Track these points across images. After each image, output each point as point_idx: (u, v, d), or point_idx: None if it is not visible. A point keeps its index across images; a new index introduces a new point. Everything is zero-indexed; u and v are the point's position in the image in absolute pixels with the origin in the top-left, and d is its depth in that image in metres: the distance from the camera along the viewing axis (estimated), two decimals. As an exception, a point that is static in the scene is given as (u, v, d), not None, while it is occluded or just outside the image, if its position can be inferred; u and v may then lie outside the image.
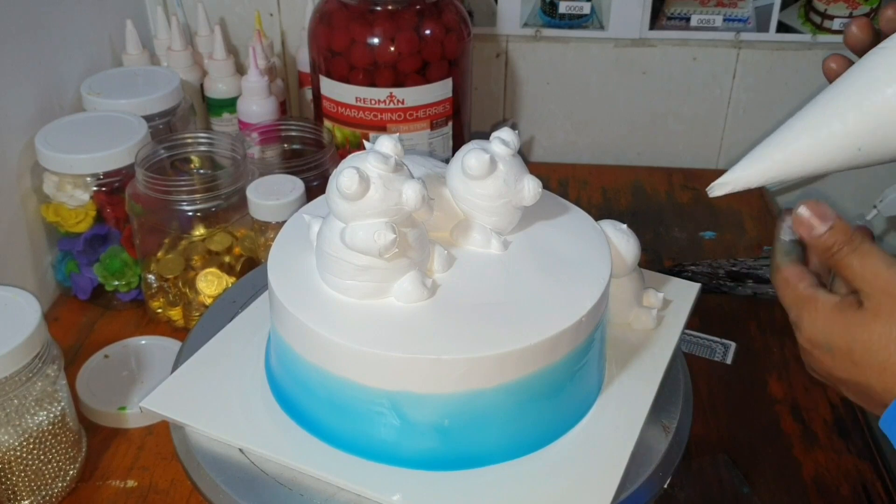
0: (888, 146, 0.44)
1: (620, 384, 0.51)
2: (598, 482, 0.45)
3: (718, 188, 0.48)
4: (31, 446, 0.60)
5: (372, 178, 0.43)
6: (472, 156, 0.47)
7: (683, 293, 0.59)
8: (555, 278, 0.48)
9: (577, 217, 0.55)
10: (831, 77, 0.47)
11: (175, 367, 0.54)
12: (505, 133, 0.49)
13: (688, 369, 0.55)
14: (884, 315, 0.43)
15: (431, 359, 0.43)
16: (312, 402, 0.48)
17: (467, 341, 0.44)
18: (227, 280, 0.77)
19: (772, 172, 0.47)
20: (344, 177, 0.43)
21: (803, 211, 0.45)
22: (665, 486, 0.48)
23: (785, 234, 0.48)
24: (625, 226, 0.54)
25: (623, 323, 0.55)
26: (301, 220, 0.52)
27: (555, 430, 0.48)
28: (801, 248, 0.48)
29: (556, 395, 0.47)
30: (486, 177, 0.48)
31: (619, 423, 0.49)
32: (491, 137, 0.49)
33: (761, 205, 1.03)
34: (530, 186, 0.48)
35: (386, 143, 0.45)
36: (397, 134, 0.46)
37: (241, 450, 0.48)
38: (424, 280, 0.46)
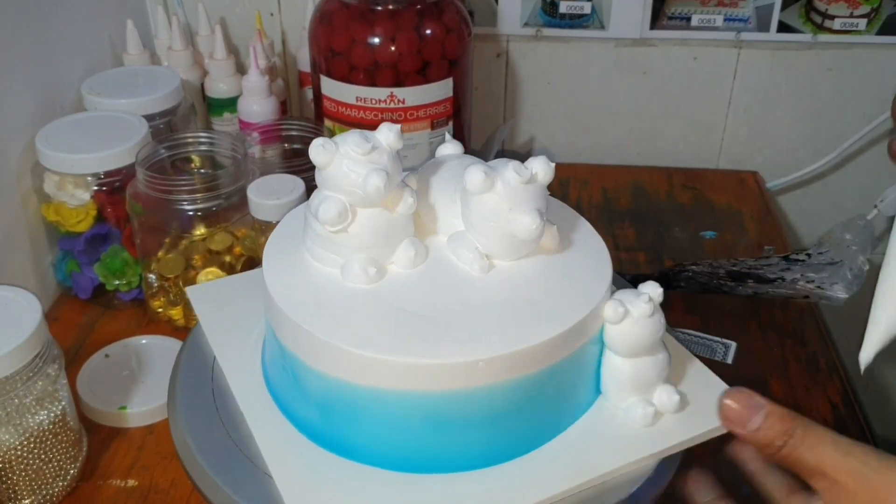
0: None
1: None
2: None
3: (866, 358, 0.47)
4: (32, 446, 0.60)
5: (339, 154, 0.45)
6: (471, 169, 0.46)
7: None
8: (521, 307, 0.47)
9: (584, 236, 0.53)
10: None
11: (175, 369, 0.54)
12: (536, 162, 0.46)
13: (688, 369, 0.55)
14: None
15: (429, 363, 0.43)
16: (303, 403, 0.48)
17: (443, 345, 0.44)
18: (228, 280, 0.78)
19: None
20: (314, 144, 0.45)
21: (731, 403, 0.41)
22: (664, 486, 0.48)
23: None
24: (651, 293, 0.47)
25: (614, 406, 0.49)
26: (292, 220, 0.53)
27: (552, 429, 0.48)
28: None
29: (527, 407, 0.47)
30: (481, 194, 0.46)
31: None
32: (533, 166, 0.46)
33: (762, 204, 1.03)
34: (524, 222, 0.46)
35: (383, 131, 0.46)
36: (399, 126, 0.47)
37: (241, 450, 0.48)
38: (368, 266, 0.47)
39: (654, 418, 0.48)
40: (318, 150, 0.45)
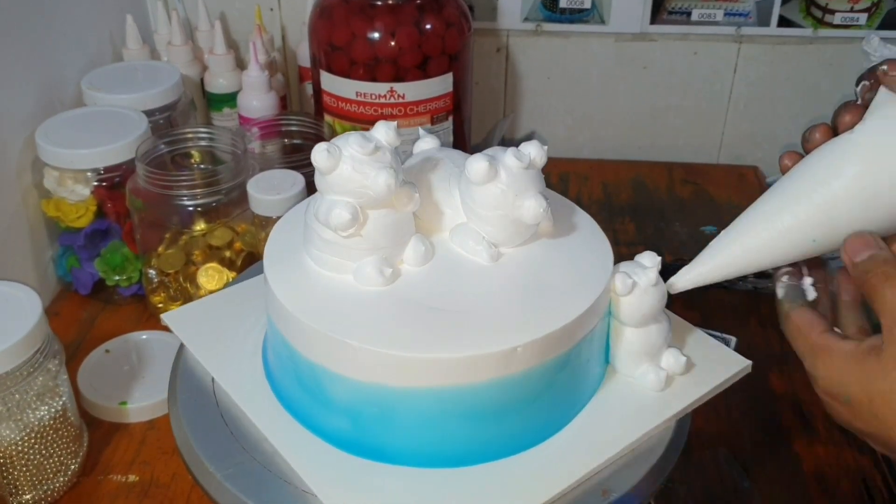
0: (841, 236, 0.45)
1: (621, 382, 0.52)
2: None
3: (678, 284, 0.50)
4: (33, 441, 0.60)
5: (344, 157, 0.44)
6: (473, 160, 0.46)
7: (724, 362, 0.53)
8: (540, 291, 0.48)
9: (581, 221, 0.54)
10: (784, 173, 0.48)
11: (175, 365, 0.54)
12: (530, 146, 0.47)
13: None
14: None
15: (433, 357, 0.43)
16: (309, 399, 0.48)
17: (447, 340, 0.44)
18: (228, 275, 0.78)
19: (730, 268, 0.49)
20: (316, 149, 0.44)
21: (853, 238, 0.44)
22: (665, 480, 0.48)
23: (781, 287, 0.49)
24: (651, 261, 0.49)
25: (627, 376, 0.51)
26: (294, 217, 0.52)
27: (577, 405, 0.49)
28: (803, 296, 0.48)
29: (557, 388, 0.47)
30: (484, 184, 0.46)
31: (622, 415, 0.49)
32: (527, 150, 0.47)
33: (762, 199, 1.03)
34: (531, 206, 0.46)
35: (380, 129, 0.46)
36: (395, 122, 0.46)
37: (241, 445, 0.48)
38: (384, 267, 0.46)
39: (666, 382, 0.50)
40: (323, 154, 0.44)
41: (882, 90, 0.44)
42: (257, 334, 0.54)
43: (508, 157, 0.46)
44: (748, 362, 0.53)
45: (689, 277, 0.50)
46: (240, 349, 0.54)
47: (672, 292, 0.49)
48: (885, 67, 0.44)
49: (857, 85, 0.47)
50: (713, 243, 0.49)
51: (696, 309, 0.84)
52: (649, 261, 0.49)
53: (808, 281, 0.49)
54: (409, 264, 0.48)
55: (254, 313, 0.55)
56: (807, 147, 0.48)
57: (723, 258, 0.49)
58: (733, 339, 0.80)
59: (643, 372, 0.50)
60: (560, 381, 0.47)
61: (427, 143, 0.54)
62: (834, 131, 0.47)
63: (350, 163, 0.44)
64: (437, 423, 0.45)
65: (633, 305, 0.48)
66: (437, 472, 0.46)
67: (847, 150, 0.45)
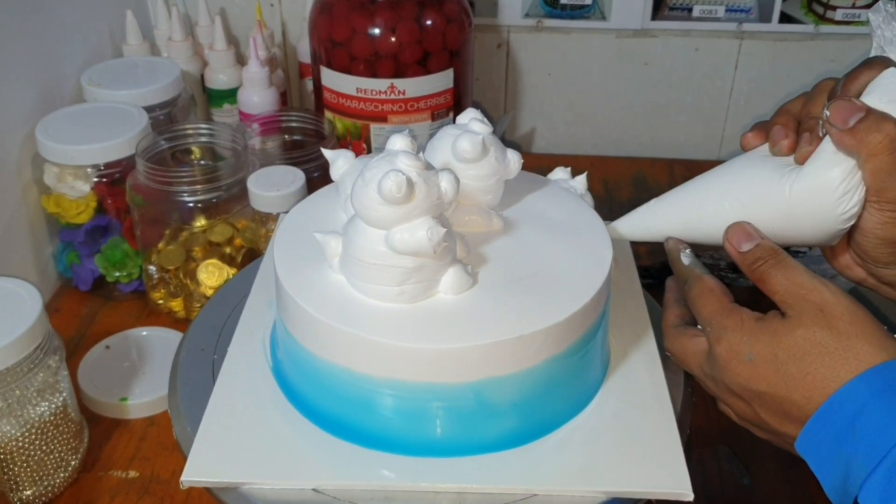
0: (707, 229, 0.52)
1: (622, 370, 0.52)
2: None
3: (620, 229, 0.55)
4: (33, 437, 0.60)
5: (413, 179, 0.43)
6: (465, 140, 0.47)
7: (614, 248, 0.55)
8: (564, 248, 0.49)
9: (551, 187, 0.56)
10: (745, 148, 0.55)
11: (176, 361, 0.54)
12: (473, 113, 0.50)
13: (689, 361, 0.55)
14: (807, 322, 0.44)
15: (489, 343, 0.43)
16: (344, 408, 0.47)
17: (497, 324, 0.44)
18: (228, 271, 0.77)
19: (665, 226, 0.54)
20: (390, 181, 0.41)
21: (735, 227, 0.49)
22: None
23: (686, 256, 0.52)
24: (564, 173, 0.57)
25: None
26: (296, 217, 0.52)
27: (567, 413, 0.49)
28: (705, 269, 0.51)
29: (578, 373, 0.48)
30: (481, 158, 0.48)
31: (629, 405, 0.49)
32: (464, 121, 0.50)
33: (763, 196, 1.03)
34: (514, 158, 0.50)
35: (400, 142, 0.45)
36: (407, 129, 0.46)
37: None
38: (467, 269, 0.46)
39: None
40: (401, 184, 0.41)
41: (822, 150, 0.47)
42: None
43: (477, 126, 0.49)
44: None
45: (627, 226, 0.55)
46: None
47: (613, 236, 0.52)
48: (828, 113, 0.46)
49: (829, 99, 0.49)
50: (656, 201, 0.55)
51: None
52: (475, 114, 0.51)
53: (683, 247, 0.54)
54: (463, 257, 0.47)
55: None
56: (744, 145, 0.55)
57: (659, 217, 0.54)
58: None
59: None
60: (569, 372, 0.47)
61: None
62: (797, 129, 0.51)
63: (420, 180, 0.43)
64: (472, 416, 0.45)
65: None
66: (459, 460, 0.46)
67: (780, 192, 0.48)
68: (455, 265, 0.46)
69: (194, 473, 0.45)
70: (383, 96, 0.85)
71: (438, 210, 0.44)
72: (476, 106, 0.62)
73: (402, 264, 0.44)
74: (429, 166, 0.44)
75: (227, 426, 0.48)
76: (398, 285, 0.44)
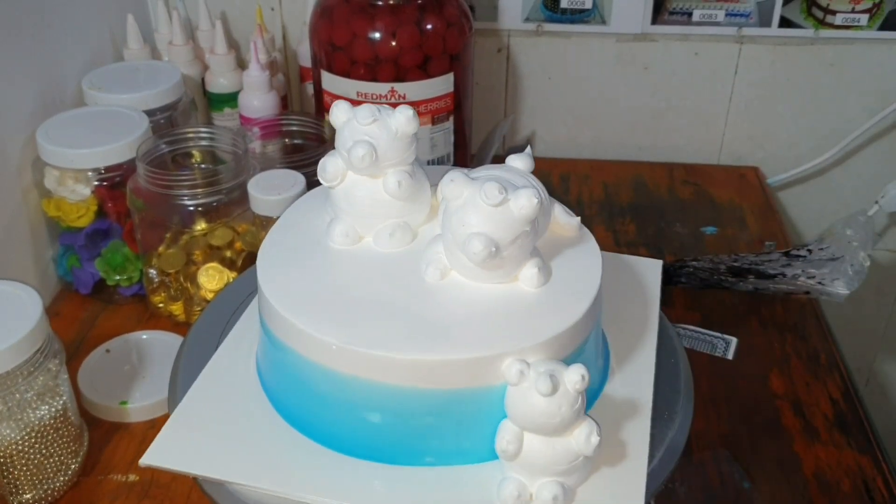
0: None
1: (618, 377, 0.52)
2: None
3: None
4: (33, 440, 0.60)
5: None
6: (488, 187, 0.46)
7: (649, 271, 0.57)
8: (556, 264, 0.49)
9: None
10: None
11: (176, 364, 0.54)
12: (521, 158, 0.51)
13: (689, 364, 0.55)
14: None
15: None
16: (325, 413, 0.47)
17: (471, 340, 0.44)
18: (229, 275, 0.78)
19: None
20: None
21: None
22: (666, 481, 0.48)
23: None
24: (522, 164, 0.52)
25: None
26: (291, 218, 0.52)
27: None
28: None
29: None
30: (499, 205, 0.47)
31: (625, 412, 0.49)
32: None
33: (763, 200, 1.03)
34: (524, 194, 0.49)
35: (521, 161, 0.51)
36: (412, 111, 0.49)
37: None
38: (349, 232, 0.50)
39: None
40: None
41: None
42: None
43: (503, 170, 0.49)
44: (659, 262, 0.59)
45: None
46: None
47: None
48: None
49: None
50: None
51: (697, 309, 0.84)
52: (522, 163, 0.51)
53: None
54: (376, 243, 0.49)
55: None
56: None
57: None
58: (734, 340, 0.80)
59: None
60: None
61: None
62: None
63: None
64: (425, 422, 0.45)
65: None
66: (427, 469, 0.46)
67: None
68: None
69: (155, 458, 0.46)
70: (384, 100, 0.85)
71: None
72: (535, 139, 0.63)
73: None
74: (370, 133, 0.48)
75: (199, 418, 0.48)
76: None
